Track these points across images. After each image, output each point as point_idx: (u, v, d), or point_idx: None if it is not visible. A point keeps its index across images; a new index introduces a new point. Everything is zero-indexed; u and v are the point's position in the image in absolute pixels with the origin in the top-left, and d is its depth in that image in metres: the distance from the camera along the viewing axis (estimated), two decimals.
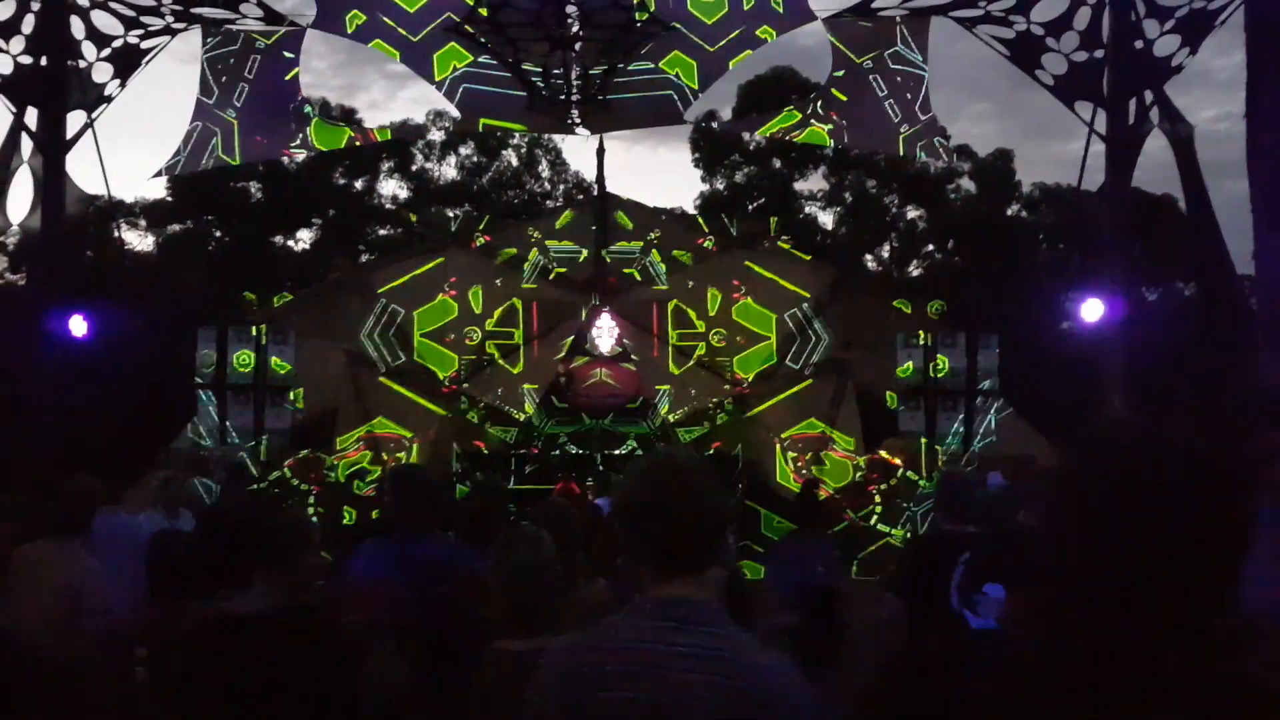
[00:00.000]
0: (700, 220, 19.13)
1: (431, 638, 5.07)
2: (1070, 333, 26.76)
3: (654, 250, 17.96)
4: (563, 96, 14.45)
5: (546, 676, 2.59)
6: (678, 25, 14.29)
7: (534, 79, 14.21)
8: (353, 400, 17.46)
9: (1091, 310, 12.88)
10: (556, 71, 13.89)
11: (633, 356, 17.66)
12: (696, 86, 15.09)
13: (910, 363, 16.82)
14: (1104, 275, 13.27)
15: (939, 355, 16.68)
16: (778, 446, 17.27)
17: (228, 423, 15.96)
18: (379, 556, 5.72)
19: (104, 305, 13.18)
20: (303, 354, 17.01)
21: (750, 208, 33.04)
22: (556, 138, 33.57)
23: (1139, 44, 13.08)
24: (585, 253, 17.94)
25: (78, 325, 12.52)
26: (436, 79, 15.03)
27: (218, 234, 31.58)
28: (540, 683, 2.59)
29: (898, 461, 16.18)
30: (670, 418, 17.32)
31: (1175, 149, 13.00)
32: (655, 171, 65.53)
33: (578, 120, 15.37)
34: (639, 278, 17.97)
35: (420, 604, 5.25)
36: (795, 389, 17.55)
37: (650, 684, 2.41)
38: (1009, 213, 34.45)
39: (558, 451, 16.78)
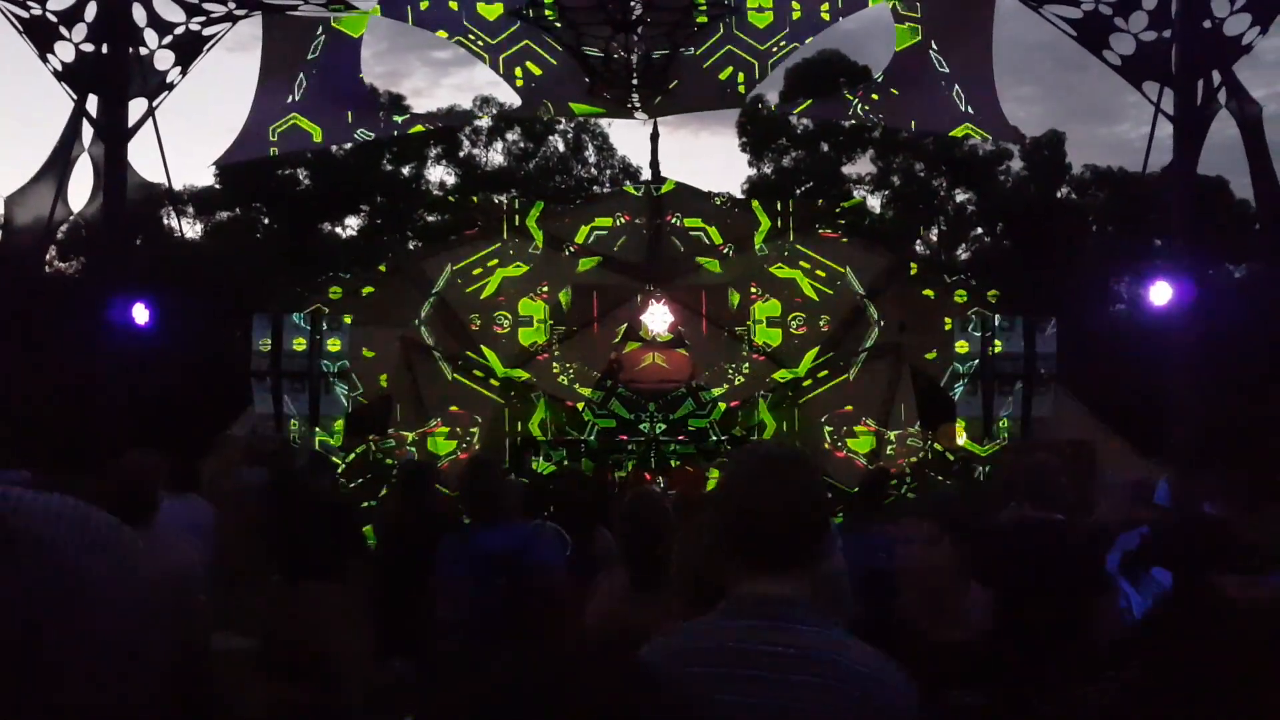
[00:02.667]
0: (755, 205, 18.96)
1: (487, 631, 5.05)
2: (1124, 316, 26.52)
3: (710, 233, 17.94)
4: (624, 80, 14.36)
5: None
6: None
7: (594, 62, 14.14)
8: (409, 387, 17.56)
9: (1160, 294, 12.68)
10: (618, 55, 13.81)
11: (685, 342, 17.63)
12: (757, 74, 15.04)
13: (967, 347, 16.72)
14: (1171, 258, 13.06)
15: (996, 339, 16.58)
16: (824, 427, 17.32)
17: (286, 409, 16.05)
18: (451, 551, 5.72)
19: (163, 293, 13.24)
20: (356, 340, 17.12)
21: (798, 192, 32.86)
22: (604, 123, 33.59)
23: (1208, 23, 12.86)
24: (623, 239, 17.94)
25: (140, 314, 12.59)
26: (498, 67, 15.06)
27: (265, 221, 31.78)
28: None
29: (959, 444, 16.08)
30: (720, 405, 17.36)
31: (1243, 129, 12.77)
32: (700, 156, 65.46)
33: (638, 104, 15.30)
34: (693, 264, 17.94)
35: (476, 597, 5.24)
36: (848, 374, 17.55)
37: (759, 688, 2.34)
38: (1059, 195, 34.10)
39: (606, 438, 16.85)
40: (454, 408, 17.40)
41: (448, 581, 5.59)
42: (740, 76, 14.85)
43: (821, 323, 17.74)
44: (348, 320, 16.93)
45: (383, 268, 17.89)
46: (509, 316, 17.79)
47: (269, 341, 16.33)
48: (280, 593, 6.11)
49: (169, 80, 13.17)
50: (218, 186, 30.82)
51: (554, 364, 17.72)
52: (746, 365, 17.71)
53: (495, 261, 17.90)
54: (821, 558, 2.66)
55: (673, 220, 17.93)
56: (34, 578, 1.10)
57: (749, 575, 2.51)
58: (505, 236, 17.89)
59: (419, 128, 20.01)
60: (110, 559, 1.21)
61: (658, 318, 17.68)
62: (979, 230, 35.23)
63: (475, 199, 19.17)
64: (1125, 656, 2.28)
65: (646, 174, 18.39)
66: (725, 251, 17.90)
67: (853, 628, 6.21)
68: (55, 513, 1.17)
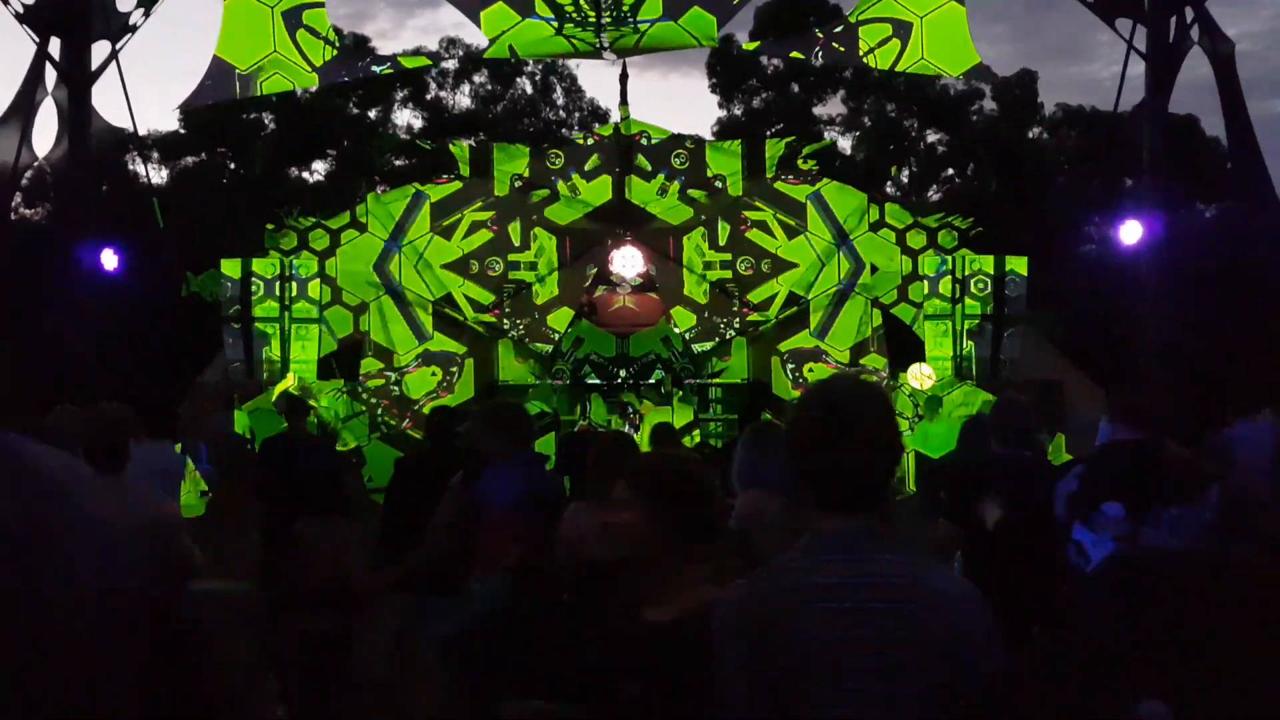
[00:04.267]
0: (726, 146, 18.93)
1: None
2: (1094, 256, 26.65)
3: (677, 180, 17.92)
4: (592, 20, 14.25)
5: (738, 621, 2.47)
6: None
7: (564, 4, 14.03)
8: (380, 329, 17.56)
9: (1130, 232, 12.77)
10: None
11: (656, 285, 17.63)
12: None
13: (930, 288, 16.85)
14: (1142, 197, 13.14)
15: (965, 280, 16.71)
16: (775, 361, 17.54)
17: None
18: (508, 484, 5.72)
19: (130, 239, 13.14)
20: (324, 284, 17.10)
21: (769, 133, 32.74)
22: (572, 64, 33.31)
23: None
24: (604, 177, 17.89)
25: (109, 259, 12.51)
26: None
27: (232, 166, 31.45)
28: (733, 629, 2.47)
29: (927, 386, 16.23)
30: (695, 346, 17.41)
31: (1215, 67, 12.82)
32: (669, 98, 65.09)
33: (606, 45, 15.20)
34: (662, 207, 17.93)
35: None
36: (817, 314, 17.67)
37: (849, 620, 2.36)
38: (1031, 135, 34.12)
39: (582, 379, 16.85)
40: (433, 347, 17.45)
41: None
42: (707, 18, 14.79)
43: (795, 263, 17.80)
44: (313, 263, 16.94)
45: (354, 213, 17.76)
46: (477, 262, 17.79)
47: (238, 286, 16.32)
48: (281, 531, 6.19)
49: (131, 22, 12.98)
50: (182, 131, 30.45)
51: (503, 321, 17.71)
52: (738, 321, 17.72)
53: (459, 204, 17.88)
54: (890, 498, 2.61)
55: (642, 138, 17.91)
56: (33, 492, 1.24)
57: (828, 512, 2.51)
58: (471, 182, 17.88)
59: (420, 60, 19.66)
60: (91, 495, 1.33)
61: (628, 261, 17.65)
62: (950, 171, 35.26)
63: (457, 147, 19.03)
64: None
65: (616, 116, 18.28)
66: (717, 183, 17.91)
67: None
68: (45, 450, 1.30)
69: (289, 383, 12.23)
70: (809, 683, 2.37)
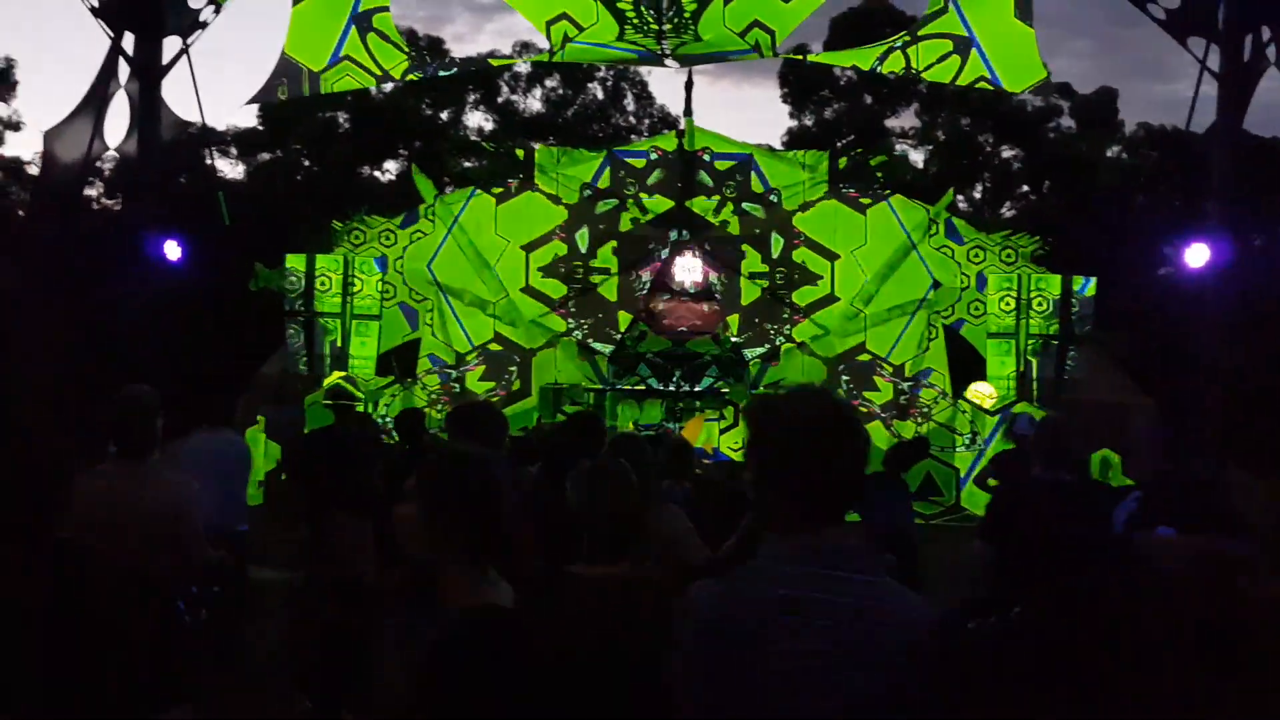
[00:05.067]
0: (790, 156, 18.94)
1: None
2: (1167, 279, 26.14)
3: (739, 186, 17.96)
4: (654, 27, 14.31)
5: (697, 628, 2.49)
6: None
7: (625, 9, 14.09)
8: (440, 330, 17.77)
9: (1196, 255, 12.53)
10: (646, 3, 13.76)
11: (716, 294, 17.64)
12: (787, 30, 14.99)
13: (1003, 305, 16.68)
14: (1211, 220, 12.87)
15: (1033, 298, 16.53)
16: (824, 370, 17.53)
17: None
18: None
19: (197, 231, 13.39)
20: (388, 282, 17.34)
21: (839, 144, 32.57)
22: (643, 71, 33.41)
23: None
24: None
25: (172, 250, 12.76)
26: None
27: (306, 164, 31.90)
28: (691, 635, 2.49)
29: (987, 405, 16.08)
30: (745, 352, 17.42)
31: None
32: (741, 107, 65.08)
33: (668, 51, 15.25)
34: (724, 215, 17.96)
35: None
36: (877, 328, 17.58)
37: (810, 635, 2.37)
38: (1110, 153, 33.61)
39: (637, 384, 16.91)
40: (494, 346, 17.64)
41: None
42: (762, 36, 14.76)
43: (855, 277, 17.73)
44: (373, 260, 17.17)
45: (422, 212, 17.96)
46: (537, 263, 17.96)
47: (302, 281, 16.59)
48: (317, 526, 6.30)
49: (202, 19, 13.25)
50: (260, 127, 30.97)
51: (569, 320, 17.87)
52: (788, 326, 17.73)
53: (522, 207, 18.05)
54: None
55: (704, 153, 17.97)
56: None
57: (796, 526, 2.49)
58: (529, 185, 18.05)
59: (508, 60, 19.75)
60: None
61: (687, 269, 17.68)
62: (1025, 188, 34.83)
63: (488, 146, 19.25)
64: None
65: (683, 123, 18.35)
66: (772, 197, 17.91)
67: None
68: None
69: (337, 378, 12.33)
70: (754, 691, 2.38)
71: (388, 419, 16.12)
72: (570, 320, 17.85)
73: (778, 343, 17.71)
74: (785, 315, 17.79)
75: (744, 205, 17.95)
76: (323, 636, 5.50)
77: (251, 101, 14.97)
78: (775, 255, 17.90)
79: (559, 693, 3.06)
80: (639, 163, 18.18)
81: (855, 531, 2.58)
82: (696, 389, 16.87)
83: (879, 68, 15.28)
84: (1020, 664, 4.59)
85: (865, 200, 17.93)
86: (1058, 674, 4.54)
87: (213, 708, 4.78)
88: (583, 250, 18.00)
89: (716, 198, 17.99)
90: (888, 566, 5.75)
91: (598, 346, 17.60)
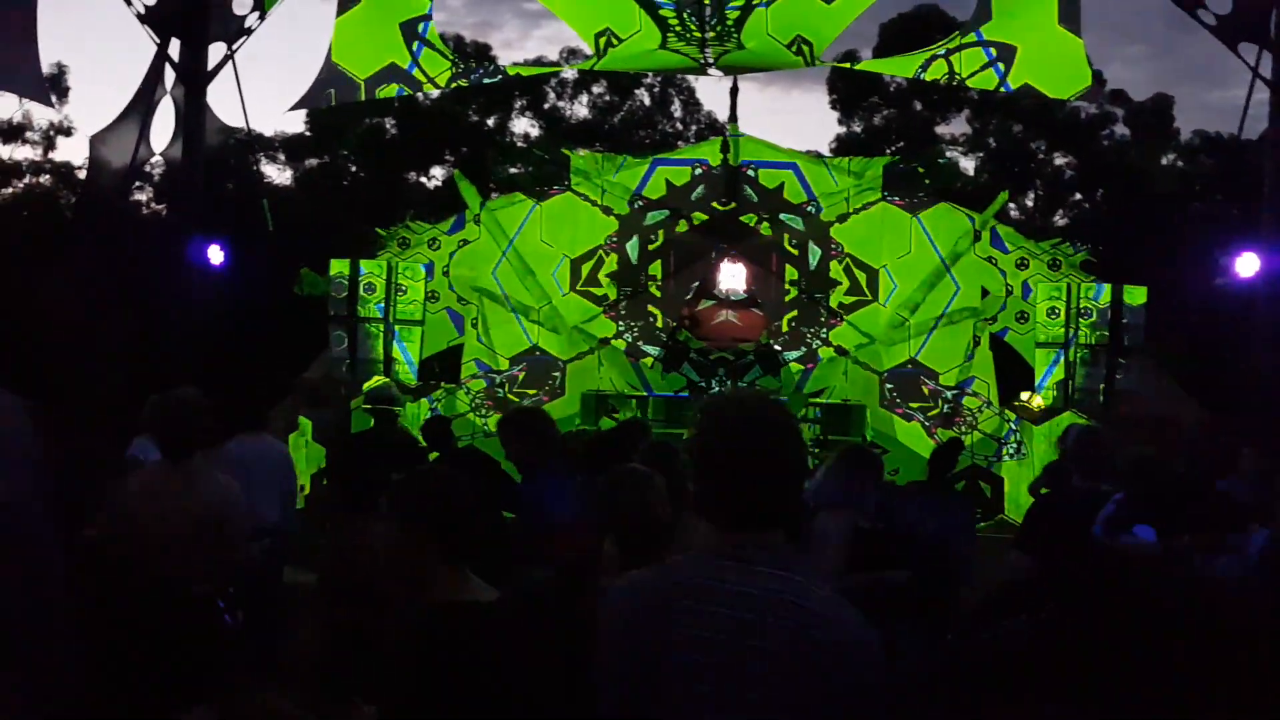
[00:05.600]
0: (836, 163, 18.90)
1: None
2: (1224, 289, 25.82)
3: (774, 195, 17.98)
4: (697, 35, 14.33)
5: (612, 614, 2.55)
6: None
7: (668, 17, 14.12)
8: (484, 333, 17.87)
9: (1247, 265, 12.35)
10: (689, 10, 13.78)
11: (759, 301, 17.62)
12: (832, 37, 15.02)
13: (1051, 314, 16.54)
14: (1264, 228, 12.68)
15: (1082, 307, 16.39)
16: (877, 382, 17.45)
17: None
18: (563, 492, 5.91)
19: (242, 236, 13.57)
20: (432, 288, 17.47)
21: (888, 151, 32.43)
22: (690, 77, 33.41)
23: None
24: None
25: (216, 255, 12.93)
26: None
27: (353, 169, 32.22)
28: (607, 620, 2.56)
29: (1035, 410, 15.97)
30: (794, 366, 17.38)
31: None
32: (789, 113, 64.93)
33: (710, 60, 15.27)
34: (764, 230, 17.98)
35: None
36: (920, 337, 17.50)
37: (714, 624, 2.38)
38: (1164, 161, 33.25)
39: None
40: (538, 351, 17.74)
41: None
42: (806, 46, 14.77)
43: (901, 285, 17.65)
44: (419, 268, 17.28)
45: (469, 218, 18.06)
46: (581, 270, 18.03)
47: (345, 286, 16.72)
48: (344, 527, 6.38)
49: (247, 25, 13.41)
50: (308, 134, 31.32)
51: (619, 323, 17.92)
52: (824, 330, 17.73)
53: (568, 213, 18.12)
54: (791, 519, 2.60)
55: (749, 169, 17.97)
56: None
57: (723, 530, 2.50)
58: (580, 190, 18.11)
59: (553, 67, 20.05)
60: None
61: (732, 276, 17.67)
62: (1078, 196, 34.53)
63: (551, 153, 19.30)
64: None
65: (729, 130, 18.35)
66: (810, 208, 17.89)
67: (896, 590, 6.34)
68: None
69: (376, 383, 12.41)
70: (664, 680, 2.40)
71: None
72: (620, 323, 17.90)
73: (814, 346, 17.65)
74: (822, 318, 17.74)
75: (781, 216, 17.93)
76: (328, 638, 5.54)
77: (297, 107, 15.13)
78: (813, 268, 17.87)
79: (526, 688, 3.19)
80: (682, 177, 18.19)
81: (780, 534, 2.52)
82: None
83: (922, 75, 15.23)
84: (1045, 664, 4.62)
85: (912, 206, 17.84)
86: (1083, 675, 4.56)
87: (239, 707, 4.84)
88: (634, 261, 18.06)
89: (757, 216, 18.01)
90: (895, 583, 5.78)
91: (647, 349, 17.66)
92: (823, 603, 2.42)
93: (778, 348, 17.31)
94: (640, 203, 18.15)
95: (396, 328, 17.09)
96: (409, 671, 3.04)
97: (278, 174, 32.08)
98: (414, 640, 3.10)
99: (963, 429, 16.39)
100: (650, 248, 18.08)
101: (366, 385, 11.75)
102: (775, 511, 2.50)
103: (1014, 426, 16.12)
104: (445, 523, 3.27)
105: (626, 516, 4.26)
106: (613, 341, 17.86)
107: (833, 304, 17.74)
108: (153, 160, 13.87)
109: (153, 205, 27.77)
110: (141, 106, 12.82)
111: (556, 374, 17.86)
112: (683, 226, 18.10)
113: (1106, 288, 16.39)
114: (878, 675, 2.39)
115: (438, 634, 3.07)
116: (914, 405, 17.18)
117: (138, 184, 24.02)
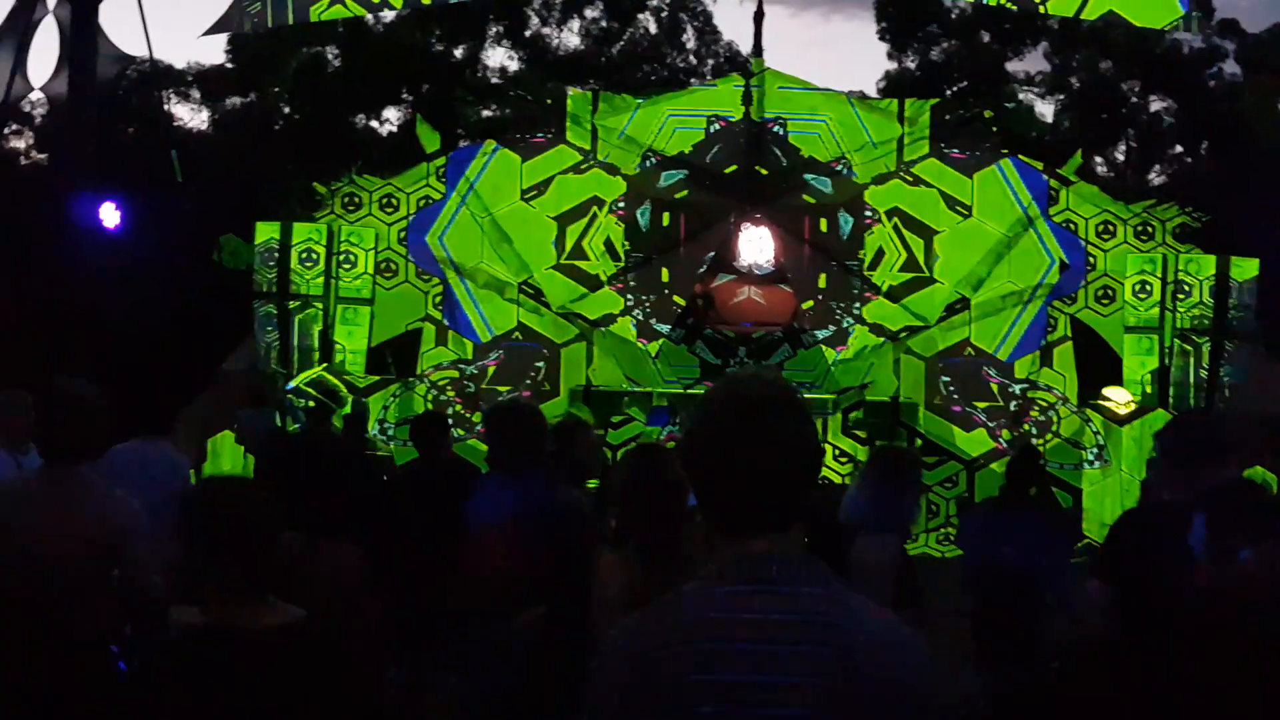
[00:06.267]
0: (882, 105, 18.79)
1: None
2: None
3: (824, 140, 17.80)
4: None
5: (615, 660, 2.55)
6: None
7: None
8: (451, 314, 17.74)
9: None
10: None
11: (788, 275, 17.51)
12: None
13: (1143, 291, 16.49)
14: None
15: (1182, 285, 16.34)
16: (929, 371, 17.36)
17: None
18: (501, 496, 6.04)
19: (145, 193, 13.45)
20: (384, 256, 17.35)
21: (948, 92, 32.32)
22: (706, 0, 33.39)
23: None
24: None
25: (109, 215, 12.79)
26: None
27: (287, 110, 32.15)
28: (609, 669, 2.56)
29: (1122, 413, 15.90)
30: (827, 352, 17.26)
31: None
32: (827, 45, 64.80)
33: None
34: (800, 179, 17.81)
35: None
36: (984, 319, 17.39)
37: (745, 663, 2.38)
38: None
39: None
40: (517, 335, 17.64)
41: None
42: None
43: (957, 257, 17.55)
44: (370, 234, 17.16)
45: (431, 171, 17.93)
46: (573, 237, 17.87)
47: (276, 255, 16.61)
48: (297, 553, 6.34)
49: None
50: (229, 65, 31.22)
51: (627, 296, 17.75)
52: (857, 305, 17.58)
53: (558, 168, 17.97)
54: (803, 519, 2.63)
55: (776, 125, 17.81)
56: None
57: (731, 536, 2.53)
58: (570, 138, 17.95)
59: None
60: None
61: (756, 245, 17.56)
62: (1178, 149, 34.50)
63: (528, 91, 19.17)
64: None
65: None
66: (839, 167, 17.75)
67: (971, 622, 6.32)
68: None
69: (317, 371, 12.45)
70: None
71: (388, 425, 16.15)
72: (628, 297, 17.77)
73: (845, 324, 17.48)
74: (856, 289, 17.58)
75: (805, 177, 17.74)
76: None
77: (213, 31, 14.98)
78: (845, 237, 17.70)
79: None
80: (693, 134, 18.00)
81: (793, 540, 2.55)
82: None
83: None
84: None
85: (975, 160, 17.69)
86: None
87: None
88: (644, 229, 17.88)
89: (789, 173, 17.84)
90: (961, 609, 5.74)
91: (660, 328, 17.54)
92: (873, 625, 2.44)
93: (801, 327, 17.25)
94: (654, 159, 17.95)
95: (340, 308, 16.97)
96: (153, 697, 3.59)
97: (191, 116, 32.10)
98: (161, 664, 3.69)
99: (1033, 429, 16.31)
100: (664, 214, 17.89)
101: (298, 378, 11.70)
102: (790, 511, 2.54)
103: (1097, 429, 16.04)
104: (227, 543, 3.71)
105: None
106: (618, 320, 17.66)
107: (879, 282, 17.58)
108: (31, 97, 13.73)
109: (32, 154, 27.74)
110: (16, 29, 12.67)
111: (541, 363, 17.72)
112: (691, 184, 17.87)
113: (1210, 259, 16.30)
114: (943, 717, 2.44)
115: (177, 659, 3.63)
116: (980, 405, 17.04)
117: (13, 127, 23.91)
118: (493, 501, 6.01)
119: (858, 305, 17.59)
